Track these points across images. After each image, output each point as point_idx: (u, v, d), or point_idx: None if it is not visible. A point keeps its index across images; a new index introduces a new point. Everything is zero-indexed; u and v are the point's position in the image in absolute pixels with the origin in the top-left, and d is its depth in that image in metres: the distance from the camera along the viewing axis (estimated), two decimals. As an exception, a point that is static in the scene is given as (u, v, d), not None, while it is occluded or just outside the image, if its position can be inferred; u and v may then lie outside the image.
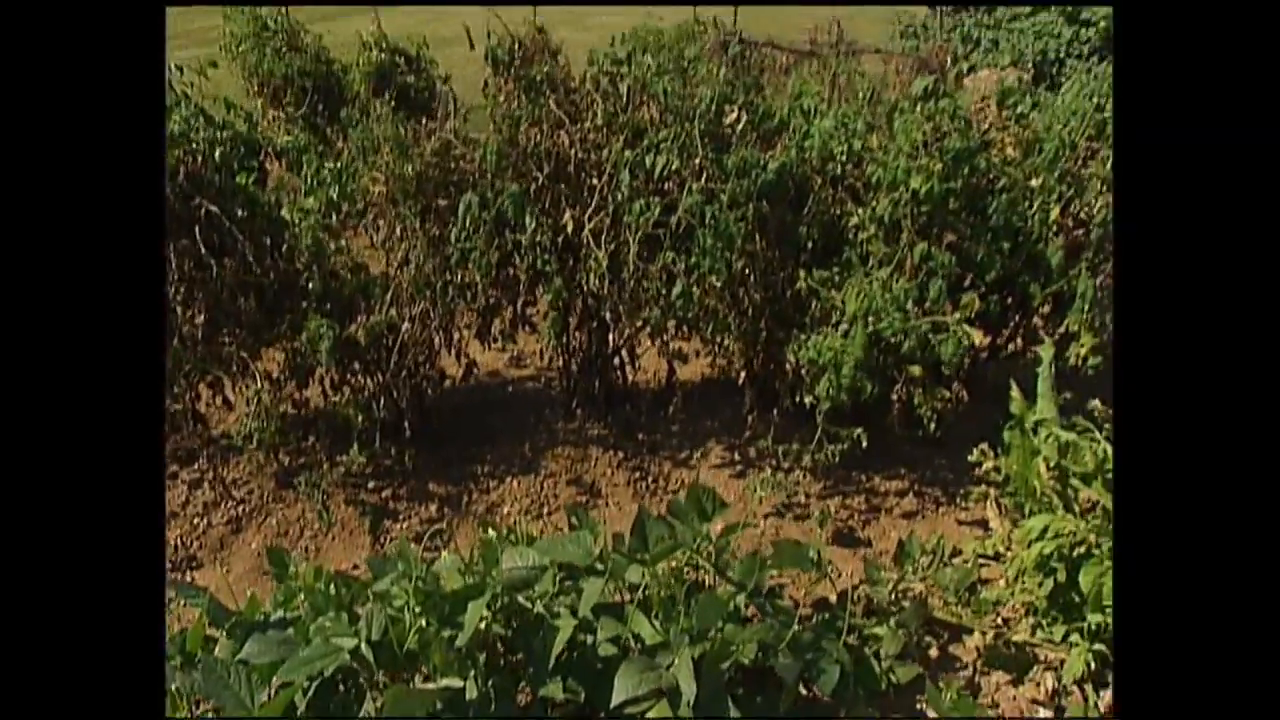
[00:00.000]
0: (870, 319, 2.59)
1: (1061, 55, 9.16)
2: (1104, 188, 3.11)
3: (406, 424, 3.22)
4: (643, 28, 6.96)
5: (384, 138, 2.69)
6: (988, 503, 2.97)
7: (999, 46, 9.48)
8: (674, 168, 2.60)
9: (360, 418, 3.12)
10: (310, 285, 3.03)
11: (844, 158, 2.76)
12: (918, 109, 2.92)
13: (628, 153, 2.62)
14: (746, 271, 2.69)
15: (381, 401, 3.14)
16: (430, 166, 2.67)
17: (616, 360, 3.20)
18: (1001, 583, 2.74)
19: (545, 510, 3.16)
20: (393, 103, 6.02)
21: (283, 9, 6.90)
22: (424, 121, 2.90)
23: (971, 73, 9.06)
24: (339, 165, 3.10)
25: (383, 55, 6.09)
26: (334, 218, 3.14)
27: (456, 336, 3.12)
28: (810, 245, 2.80)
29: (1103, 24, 9.16)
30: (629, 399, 3.44)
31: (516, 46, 6.48)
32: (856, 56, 5.29)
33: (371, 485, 3.27)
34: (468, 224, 2.59)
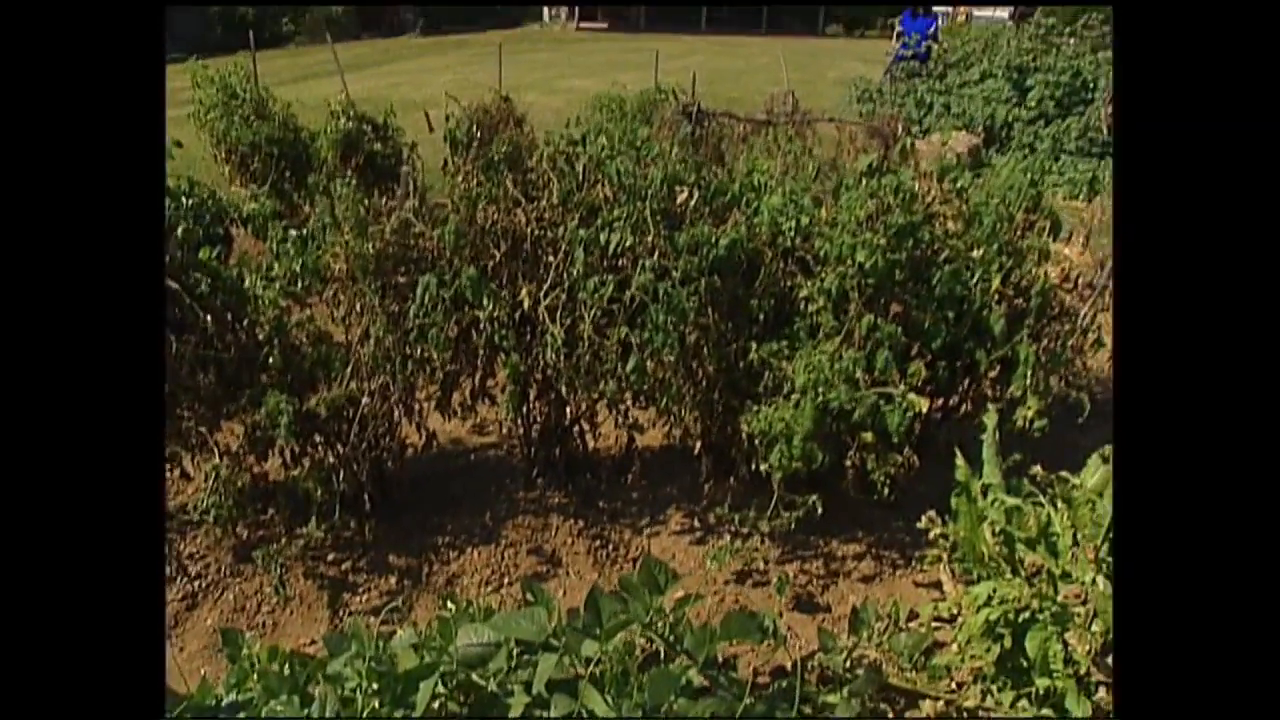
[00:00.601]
0: (819, 390, 2.67)
1: (1009, 119, 9.53)
2: (1040, 258, 3.26)
3: (366, 496, 3.23)
4: (606, 96, 7.17)
5: (343, 217, 2.75)
6: (941, 566, 3.03)
7: (951, 110, 9.86)
8: (628, 245, 2.68)
9: (320, 490, 3.12)
10: (270, 359, 3.05)
11: (792, 232, 2.87)
12: (863, 184, 3.05)
13: (582, 230, 2.70)
14: (700, 344, 2.76)
15: (341, 474, 3.14)
16: (389, 245, 2.73)
17: (576, 429, 3.24)
18: (955, 648, 2.78)
19: (505, 581, 3.16)
20: (360, 170, 6.15)
21: (250, 78, 7.02)
22: (384, 199, 2.96)
23: (925, 136, 9.40)
24: (304, 233, 3.15)
25: (350, 124, 6.20)
26: (298, 285, 3.18)
27: (417, 409, 3.15)
28: (762, 317, 2.89)
29: (1044, 90, 9.57)
30: (589, 467, 3.47)
31: (483, 114, 6.59)
32: (811, 126, 5.49)
33: (331, 558, 3.25)
34: (426, 302, 2.65)
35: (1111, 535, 2.60)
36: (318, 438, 3.18)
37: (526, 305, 2.73)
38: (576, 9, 32.88)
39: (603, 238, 2.69)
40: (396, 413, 3.02)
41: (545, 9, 36.21)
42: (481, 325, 2.76)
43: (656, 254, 2.68)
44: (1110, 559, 2.48)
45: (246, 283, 3.18)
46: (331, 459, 3.17)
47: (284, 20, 31.44)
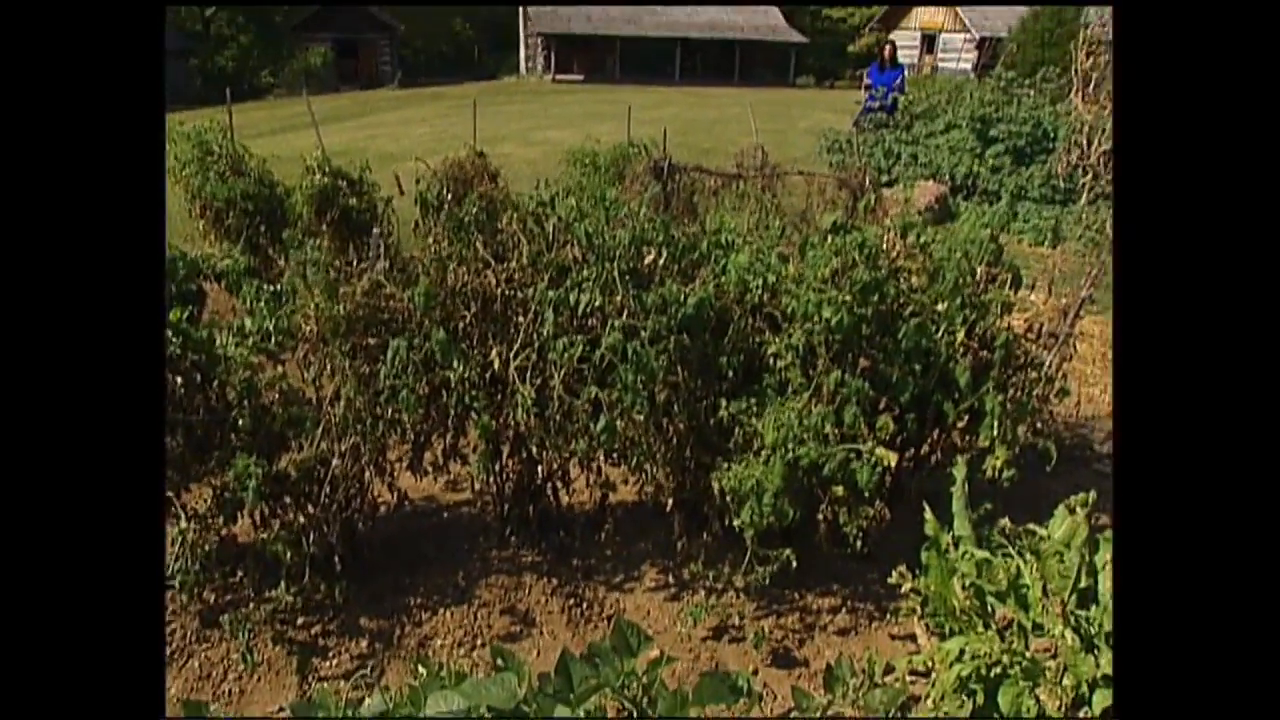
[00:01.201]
0: (789, 446, 2.69)
1: (974, 168, 9.77)
2: (1002, 311, 3.32)
3: (337, 557, 3.18)
4: (580, 150, 7.27)
5: (313, 281, 2.76)
6: (915, 619, 3.03)
7: (918, 160, 10.09)
8: (597, 305, 2.71)
9: (289, 553, 3.07)
10: (240, 421, 3.03)
11: (760, 290, 2.91)
12: (828, 241, 3.12)
13: (552, 291, 2.73)
14: (670, 402, 2.78)
15: (311, 536, 3.10)
16: (360, 307, 2.74)
17: (549, 487, 3.23)
18: (930, 703, 2.77)
19: (478, 642, 3.11)
20: (335, 225, 6.17)
21: (226, 133, 7.07)
22: (355, 260, 2.98)
23: (893, 185, 9.62)
24: (277, 289, 3.15)
25: (325, 179, 6.23)
26: (270, 341, 3.17)
27: (388, 468, 3.13)
28: (731, 374, 2.92)
29: (1007, 140, 9.83)
30: (563, 524, 3.45)
31: (457, 169, 6.66)
32: (781, 178, 5.61)
33: (300, 621, 3.19)
34: (396, 364, 2.65)
35: (1080, 586, 2.62)
36: (288, 499, 3.14)
37: (497, 366, 2.74)
38: (553, 61, 33.51)
39: (572, 298, 2.71)
40: (368, 473, 3.00)
41: (523, 61, 36.88)
42: (452, 386, 2.77)
43: (625, 314, 2.71)
44: (1078, 612, 2.50)
45: (217, 342, 3.17)
46: (302, 520, 3.14)
47: (264, 73, 31.80)
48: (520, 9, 35.72)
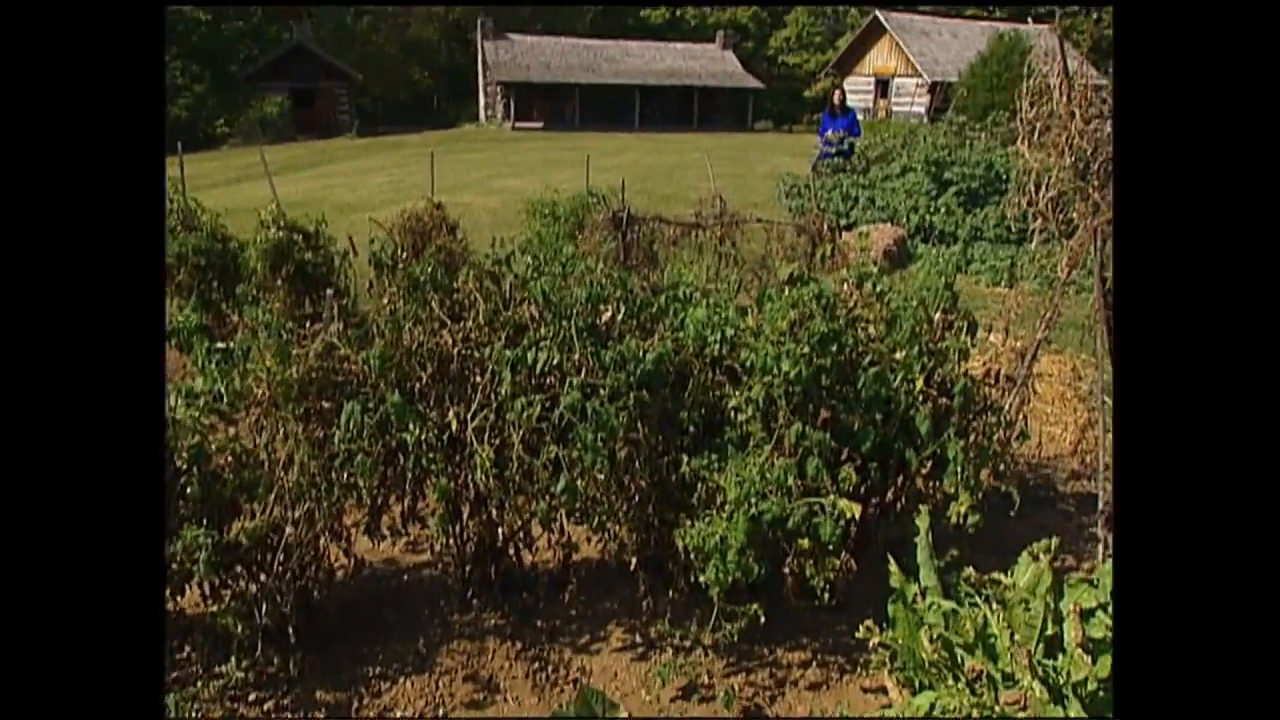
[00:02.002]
0: (752, 501, 2.69)
1: (931, 210, 10.02)
2: (959, 357, 3.39)
3: (291, 628, 3.09)
4: (539, 200, 7.32)
5: (264, 346, 2.73)
6: (885, 672, 3.02)
7: (875, 204, 10.33)
8: (555, 363, 2.71)
9: (241, 626, 2.98)
10: (189, 489, 2.95)
11: (718, 344, 2.94)
12: (785, 293, 3.16)
13: (509, 350, 2.72)
14: (631, 459, 2.78)
15: (265, 606, 3.01)
16: (313, 370, 2.71)
17: (510, 548, 3.19)
18: (902, 760, 2.75)
19: (440, 712, 3.03)
20: (290, 279, 6.11)
21: (179, 187, 7.01)
22: (309, 321, 2.96)
23: (853, 229, 9.81)
24: (228, 347, 3.10)
25: (280, 233, 6.19)
26: (223, 401, 3.11)
27: (345, 534, 3.07)
28: (692, 429, 2.92)
29: (961, 183, 10.11)
30: (525, 585, 3.40)
31: (415, 221, 6.65)
32: (739, 227, 5.70)
33: (253, 697, 3.08)
34: (351, 428, 2.62)
35: (1046, 635, 2.64)
36: (239, 568, 3.05)
37: (454, 427, 2.72)
38: (513, 109, 33.90)
39: (529, 357, 2.71)
40: (323, 539, 2.93)
41: (482, 109, 37.28)
42: (409, 448, 2.74)
43: (584, 371, 2.71)
44: (1045, 661, 2.51)
45: (167, 405, 3.11)
46: (254, 590, 3.05)
47: (218, 122, 31.67)
48: (479, 59, 36.20)
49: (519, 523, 2.95)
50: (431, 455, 2.78)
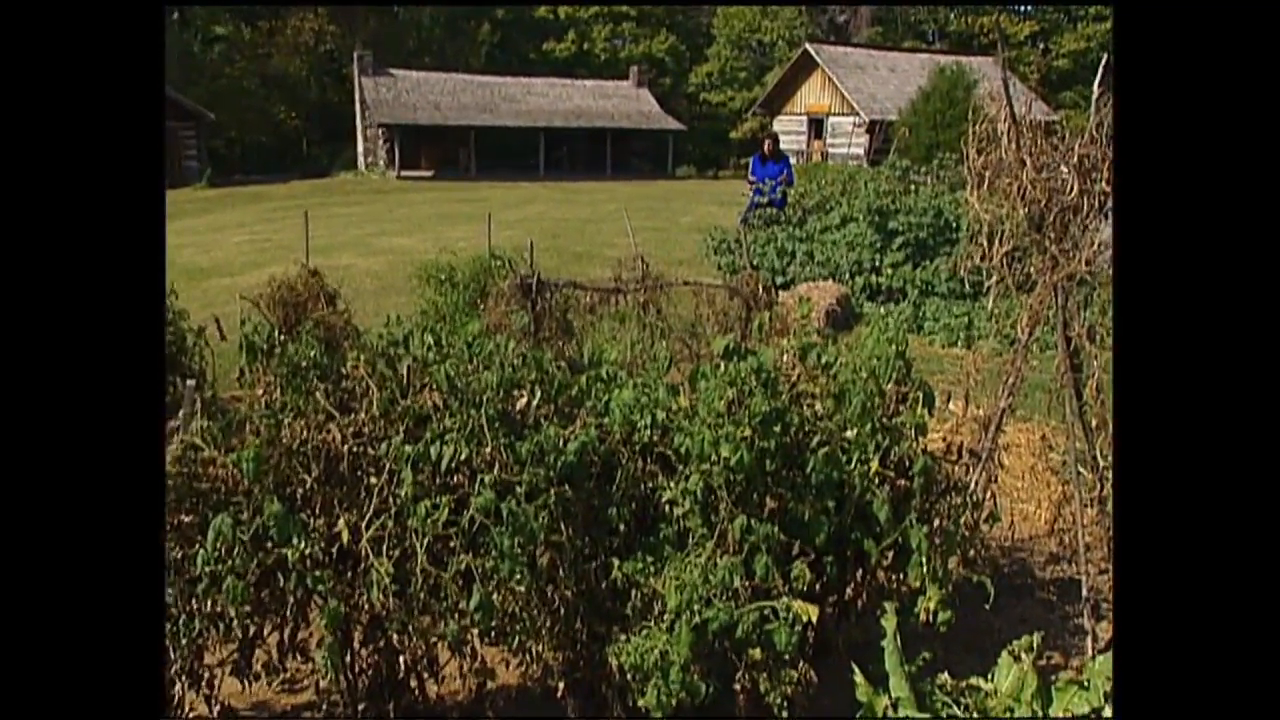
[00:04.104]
0: (695, 609, 2.74)
1: (876, 264, 10.47)
2: (916, 434, 3.55)
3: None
4: (433, 264, 7.37)
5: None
6: (856, 799, 3.06)
7: (814, 259, 10.73)
8: (463, 458, 2.74)
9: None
10: None
11: (648, 429, 3.02)
12: (720, 369, 3.28)
13: (409, 446, 2.74)
14: (554, 566, 2.80)
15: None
16: (169, 477, 2.67)
17: (413, 679, 3.14)
18: None
19: None
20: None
21: None
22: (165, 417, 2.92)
23: (790, 287, 10.16)
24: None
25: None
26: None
27: (206, 676, 2.98)
28: (623, 527, 2.98)
29: (908, 233, 10.62)
30: (432, 723, 3.34)
31: (287, 291, 6.60)
32: (664, 291, 5.87)
33: None
34: (219, 546, 2.58)
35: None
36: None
37: (346, 538, 2.71)
38: (398, 155, 34.07)
39: (433, 452, 2.74)
40: (179, 685, 2.85)
41: (360, 155, 37.36)
42: (291, 566, 2.70)
43: (497, 467, 2.74)
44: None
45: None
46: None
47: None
48: (357, 97, 36.43)
49: (423, 648, 2.92)
50: (318, 573, 2.75)
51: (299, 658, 3.07)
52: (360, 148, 37.69)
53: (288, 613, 2.85)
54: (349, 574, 2.82)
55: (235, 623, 2.75)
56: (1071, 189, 3.80)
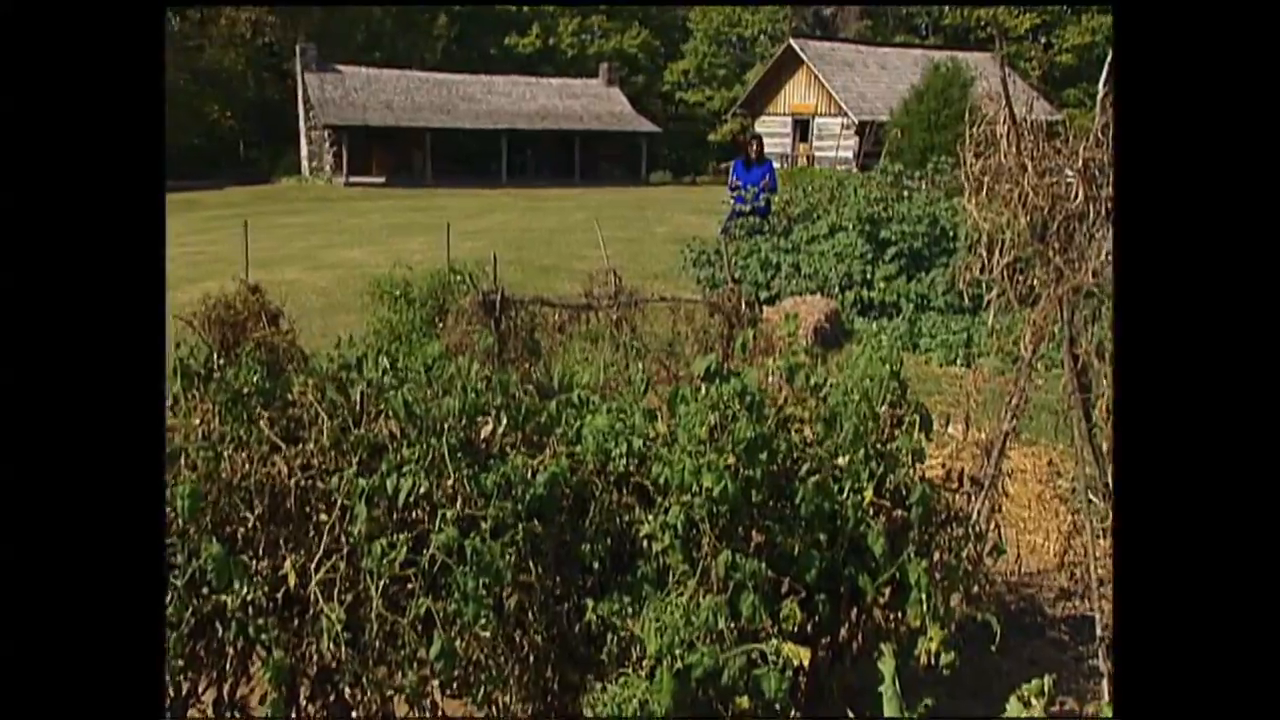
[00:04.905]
0: (677, 653, 2.75)
1: (868, 276, 10.57)
2: (913, 461, 3.59)
3: None
4: (386, 280, 7.36)
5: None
6: None
7: (801, 271, 10.82)
8: (422, 492, 2.74)
9: None
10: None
11: (624, 458, 3.04)
12: (702, 392, 3.30)
13: (363, 479, 2.74)
14: (523, 608, 2.81)
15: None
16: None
17: (367, 736, 3.13)
18: None
19: None
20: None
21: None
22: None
23: (775, 302, 10.23)
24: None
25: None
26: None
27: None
28: (597, 565, 2.98)
29: (902, 242, 10.74)
30: (387, 784, 3.31)
31: (225, 310, 6.55)
32: (639, 307, 5.90)
33: None
34: (152, 592, 2.56)
35: None
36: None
37: (292, 582, 2.70)
38: (345, 159, 34.02)
39: (390, 486, 2.73)
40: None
41: (305, 160, 37.26)
42: (230, 614, 2.69)
43: (460, 501, 2.75)
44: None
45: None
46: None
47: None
48: (300, 96, 36.37)
49: (378, 702, 2.90)
50: (261, 622, 2.74)
51: (239, 717, 3.04)
52: (304, 151, 37.62)
53: (227, 666, 2.84)
54: (295, 622, 2.81)
55: (168, 679, 2.72)
56: (1077, 195, 3.87)
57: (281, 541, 2.79)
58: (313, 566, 2.73)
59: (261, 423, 2.88)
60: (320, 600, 2.68)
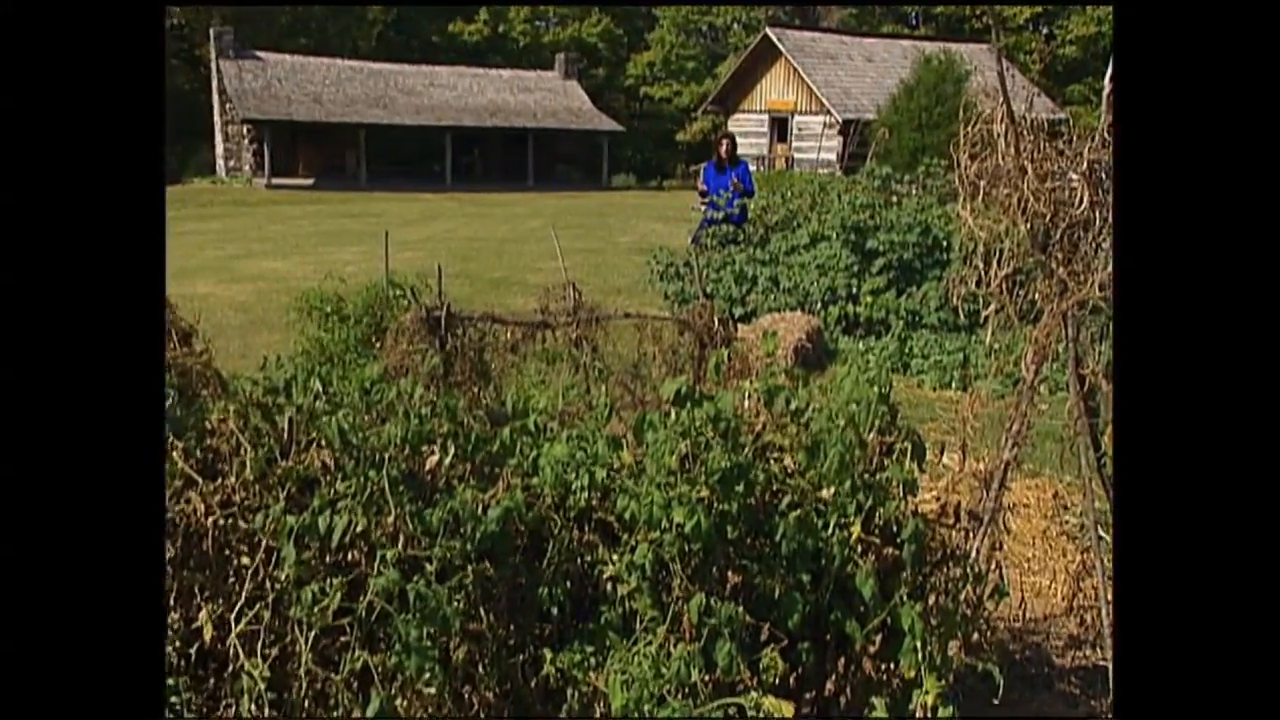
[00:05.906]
0: (646, 709, 2.76)
1: (854, 291, 10.68)
2: (905, 493, 3.63)
3: None
4: (316, 294, 7.33)
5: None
6: None
7: (780, 285, 10.91)
8: (359, 530, 2.73)
9: None
10: None
11: (586, 491, 3.05)
12: (671, 418, 3.33)
13: (292, 517, 2.73)
14: (472, 661, 2.80)
15: None
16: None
17: (294, 808, 3.10)
18: None
19: None
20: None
21: None
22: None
23: (752, 319, 10.31)
24: None
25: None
26: None
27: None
28: (556, 611, 2.98)
29: (890, 253, 10.87)
30: None
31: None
32: (601, 325, 5.92)
33: None
34: (51, 646, 2.53)
35: None
36: None
37: (208, 635, 2.67)
38: (267, 158, 33.81)
39: (322, 524, 2.72)
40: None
41: (220, 159, 36.98)
42: (140, 670, 2.66)
43: (401, 540, 2.74)
44: None
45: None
46: None
47: None
48: (215, 86, 36.13)
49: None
50: (172, 681, 2.71)
51: (150, 785, 3.00)
52: (219, 149, 37.37)
53: (136, 728, 2.79)
54: (211, 681, 2.78)
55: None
56: (1081, 201, 3.94)
57: (197, 589, 2.77)
58: (232, 617, 2.70)
59: (174, 454, 2.86)
60: (241, 655, 2.66)
